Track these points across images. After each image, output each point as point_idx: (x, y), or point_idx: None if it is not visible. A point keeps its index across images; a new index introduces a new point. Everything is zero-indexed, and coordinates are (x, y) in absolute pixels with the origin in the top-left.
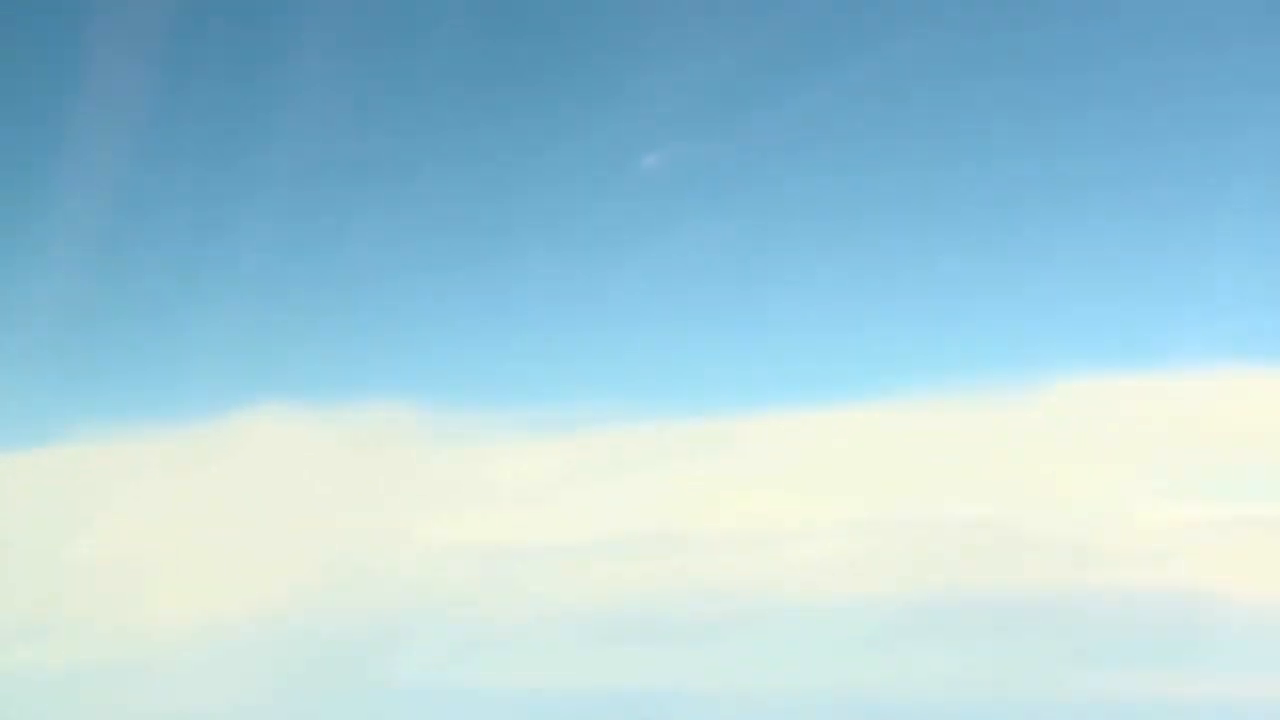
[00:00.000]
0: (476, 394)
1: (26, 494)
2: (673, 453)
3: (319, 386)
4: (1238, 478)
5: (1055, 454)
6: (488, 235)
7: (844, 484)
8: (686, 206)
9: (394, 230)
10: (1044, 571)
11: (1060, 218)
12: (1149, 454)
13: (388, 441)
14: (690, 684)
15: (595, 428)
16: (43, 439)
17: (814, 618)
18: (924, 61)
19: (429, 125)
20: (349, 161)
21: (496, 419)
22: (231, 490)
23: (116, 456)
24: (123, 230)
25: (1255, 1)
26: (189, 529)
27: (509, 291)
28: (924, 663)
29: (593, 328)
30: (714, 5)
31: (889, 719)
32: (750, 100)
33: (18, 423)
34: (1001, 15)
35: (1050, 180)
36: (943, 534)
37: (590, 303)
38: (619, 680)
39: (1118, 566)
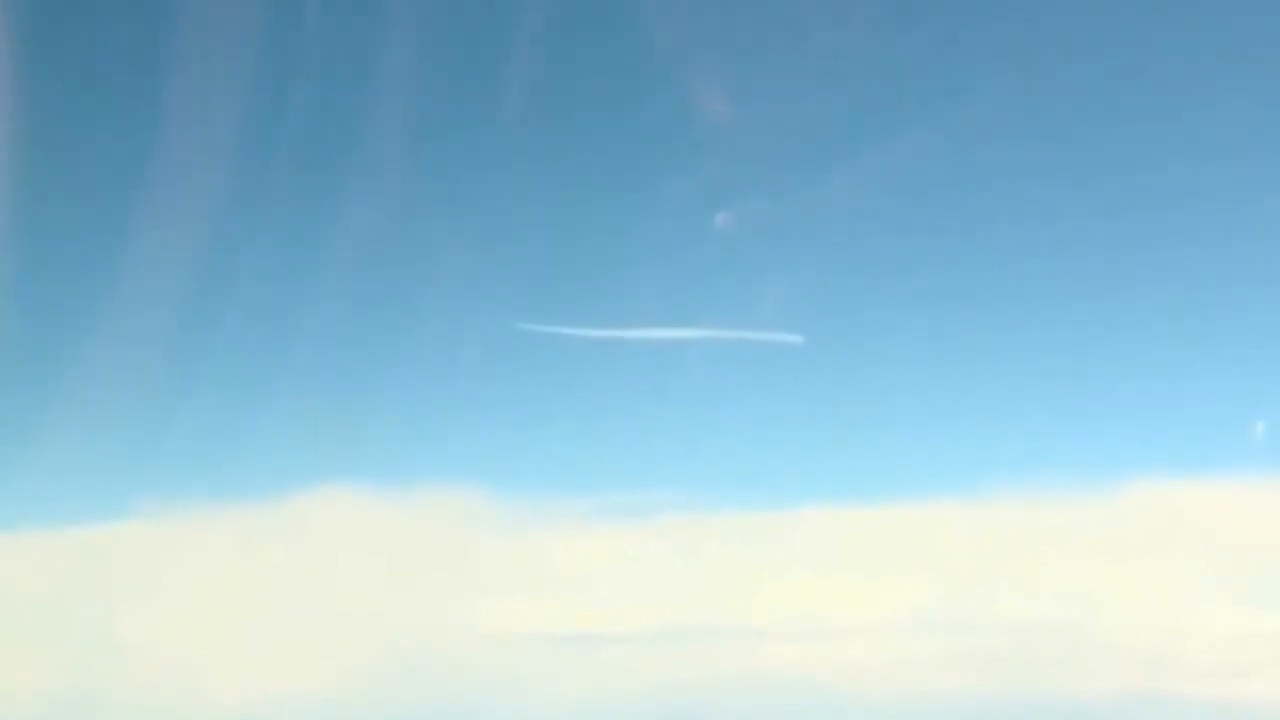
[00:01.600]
0: (541, 480)
1: (89, 569)
2: (738, 543)
3: (384, 470)
4: None
5: (1127, 557)
6: (549, 317)
7: (910, 580)
8: (756, 273)
9: (460, 312)
10: (1111, 677)
11: (1138, 318)
12: (1223, 561)
13: (450, 526)
14: None
15: (659, 516)
16: (108, 515)
17: (877, 716)
18: (1007, 126)
19: (491, 192)
20: (410, 243)
21: (561, 505)
22: (292, 571)
23: (180, 534)
24: (191, 308)
25: None
26: (248, 609)
27: (574, 375)
28: None
29: (660, 414)
30: (787, 64)
31: None
32: (824, 158)
33: (84, 498)
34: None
35: (1128, 279)
36: (1009, 635)
37: (657, 389)
38: None
39: (1188, 674)
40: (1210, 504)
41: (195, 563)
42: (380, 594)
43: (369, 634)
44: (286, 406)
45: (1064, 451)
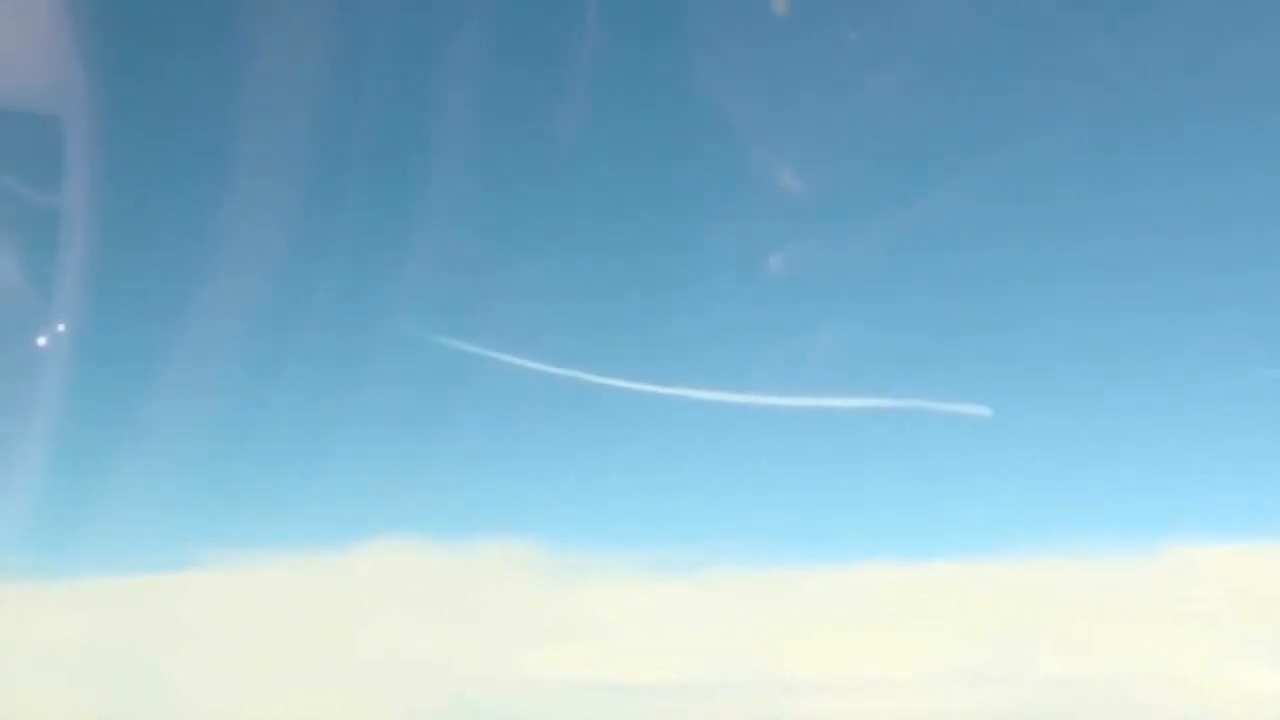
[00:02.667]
0: (596, 533)
1: (151, 617)
2: (784, 598)
3: (441, 521)
4: None
5: (1164, 619)
6: (605, 369)
7: (950, 637)
8: (809, 321)
9: (517, 366)
10: None
11: (1179, 382)
12: (1260, 623)
13: (506, 578)
14: None
15: (708, 570)
16: (169, 564)
17: None
18: (1055, 169)
19: (543, 240)
20: (478, 294)
21: (615, 558)
22: (350, 622)
23: (239, 584)
24: (254, 360)
25: None
26: (306, 659)
27: (628, 428)
28: None
29: (708, 469)
30: (839, 105)
31: None
32: (879, 202)
33: (147, 549)
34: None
35: (1175, 344)
36: (1047, 692)
37: (710, 442)
38: None
39: None
40: (1249, 567)
41: (253, 612)
42: (433, 643)
43: (421, 682)
44: (346, 458)
45: (1102, 515)
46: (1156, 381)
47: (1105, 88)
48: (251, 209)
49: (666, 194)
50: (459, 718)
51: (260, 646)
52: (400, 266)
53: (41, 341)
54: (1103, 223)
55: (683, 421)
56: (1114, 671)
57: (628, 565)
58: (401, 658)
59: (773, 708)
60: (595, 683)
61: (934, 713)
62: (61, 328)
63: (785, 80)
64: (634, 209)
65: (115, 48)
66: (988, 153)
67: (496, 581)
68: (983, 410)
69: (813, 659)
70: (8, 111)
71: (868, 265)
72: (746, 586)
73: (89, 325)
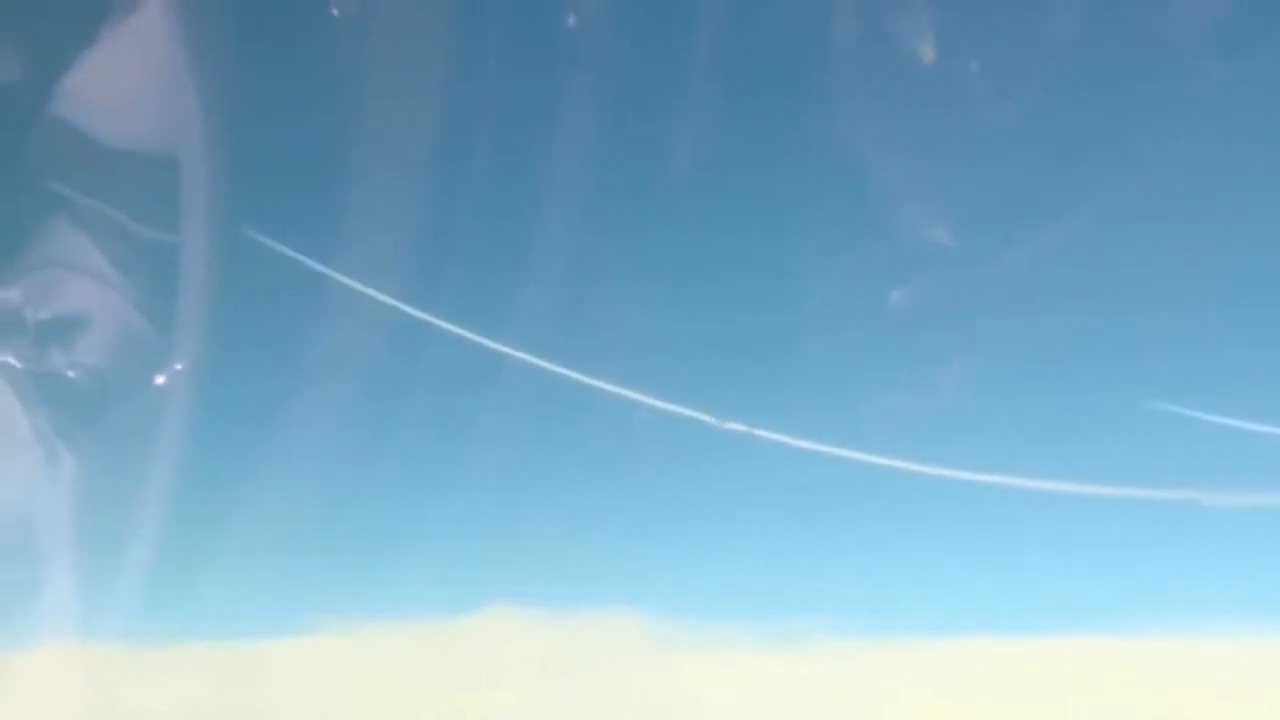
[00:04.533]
0: (702, 605)
1: (261, 685)
2: (896, 672)
3: (548, 592)
4: None
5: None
6: (716, 445)
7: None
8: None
9: (627, 439)
10: None
11: None
12: None
13: (610, 649)
14: None
15: (819, 643)
16: (280, 631)
17: None
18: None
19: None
20: (574, 369)
21: (721, 630)
22: (457, 691)
23: (349, 652)
24: (364, 427)
25: None
26: None
27: (740, 500)
28: None
29: (824, 538)
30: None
31: None
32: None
33: (258, 616)
34: None
35: None
36: None
37: (819, 515)
38: None
39: None
40: None
41: (363, 680)
42: (536, 712)
43: None
44: (456, 527)
45: (1221, 592)
46: None
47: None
48: (373, 258)
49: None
50: None
51: (368, 715)
52: (501, 331)
53: (160, 380)
54: None
55: (797, 483)
56: None
57: (742, 637)
58: None
59: None
60: None
61: None
62: (180, 366)
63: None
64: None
65: (233, 86)
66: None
67: (598, 652)
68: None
69: None
70: (124, 151)
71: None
72: (865, 659)
73: (205, 377)
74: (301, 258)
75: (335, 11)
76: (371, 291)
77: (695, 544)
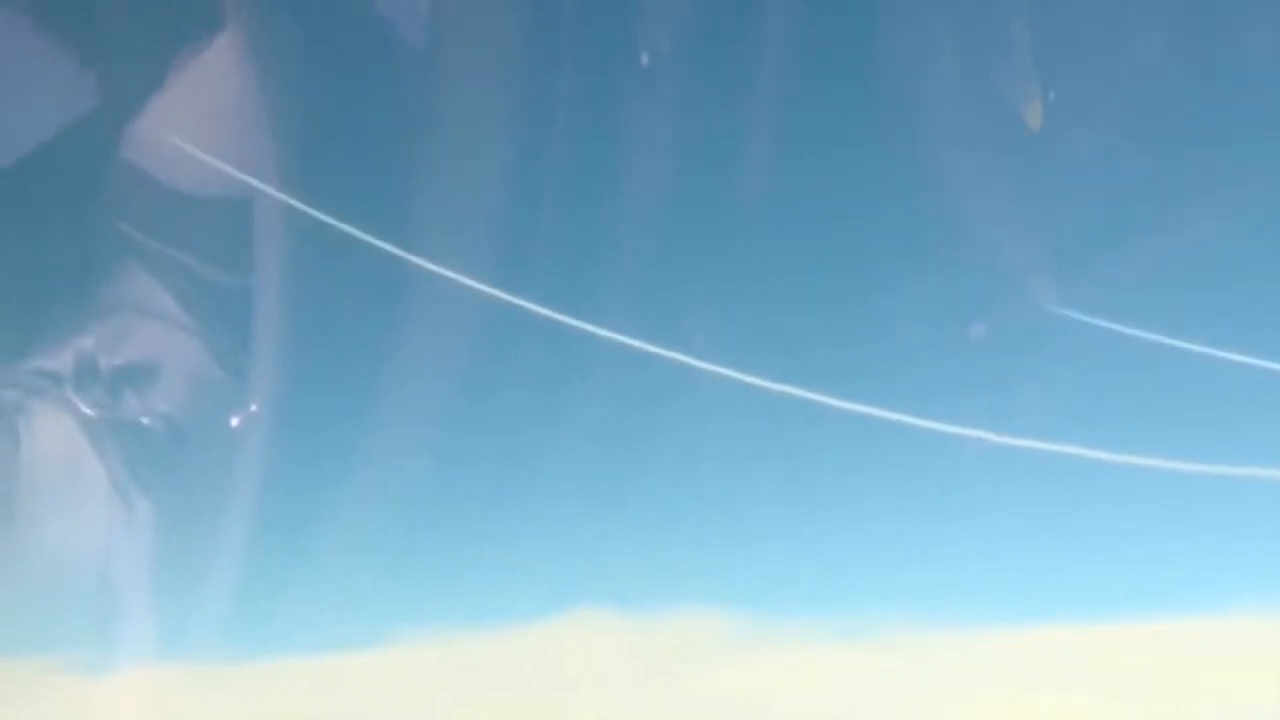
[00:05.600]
0: (787, 602)
1: (347, 696)
2: (981, 661)
3: (628, 593)
4: None
5: None
6: (797, 450)
7: (1134, 704)
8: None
9: (708, 444)
10: None
11: None
12: None
13: (693, 648)
14: None
15: (903, 634)
16: (365, 642)
17: None
18: None
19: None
20: (653, 387)
21: (803, 625)
22: (541, 697)
23: (436, 660)
24: (442, 436)
25: None
26: None
27: (820, 500)
28: None
29: (901, 535)
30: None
31: None
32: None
33: (343, 626)
34: None
35: None
36: None
37: (899, 510)
38: None
39: None
40: None
41: (447, 689)
42: (622, 715)
43: None
44: (533, 533)
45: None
46: None
47: None
48: (444, 299)
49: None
50: None
51: None
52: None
53: (235, 422)
54: None
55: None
56: None
57: (823, 630)
58: None
59: None
60: None
61: None
62: (254, 408)
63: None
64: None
65: (301, 130)
66: None
67: (683, 652)
68: None
69: None
70: (193, 194)
71: None
72: (945, 651)
73: (279, 406)
74: (372, 304)
75: (400, 56)
76: (444, 313)
77: (772, 538)
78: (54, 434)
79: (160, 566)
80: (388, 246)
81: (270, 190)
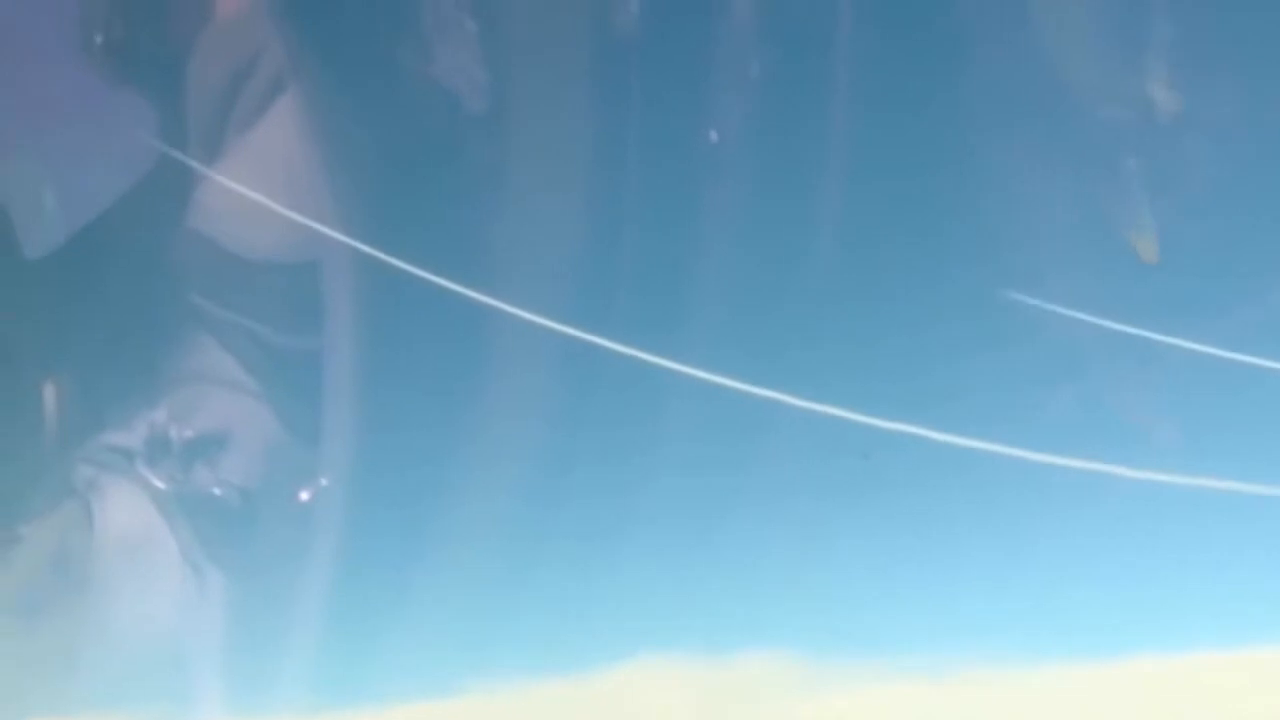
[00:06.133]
0: (858, 640)
1: None
2: (1062, 699)
3: (698, 639)
4: None
5: None
6: (865, 486)
7: None
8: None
9: (773, 487)
10: None
11: None
12: None
13: (763, 691)
14: None
15: (970, 673)
16: (435, 693)
17: None
18: None
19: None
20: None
21: (876, 667)
22: None
23: (504, 711)
24: (514, 483)
25: None
26: None
27: (885, 541)
28: None
29: (976, 570)
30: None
31: None
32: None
33: (411, 676)
34: None
35: None
36: None
37: (973, 545)
38: None
39: None
40: None
41: None
42: None
43: None
44: (605, 580)
45: None
46: None
47: None
48: (528, 347)
49: None
50: None
51: None
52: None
53: (305, 496)
54: None
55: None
56: None
57: (895, 669)
58: None
59: None
60: None
61: None
62: (325, 481)
63: None
64: None
65: (371, 188)
66: None
67: (759, 696)
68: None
69: None
70: (264, 261)
71: None
72: (1016, 689)
73: (350, 476)
74: (442, 378)
75: (474, 99)
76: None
77: (840, 574)
78: (125, 507)
79: (232, 636)
80: (469, 292)
81: (344, 240)
